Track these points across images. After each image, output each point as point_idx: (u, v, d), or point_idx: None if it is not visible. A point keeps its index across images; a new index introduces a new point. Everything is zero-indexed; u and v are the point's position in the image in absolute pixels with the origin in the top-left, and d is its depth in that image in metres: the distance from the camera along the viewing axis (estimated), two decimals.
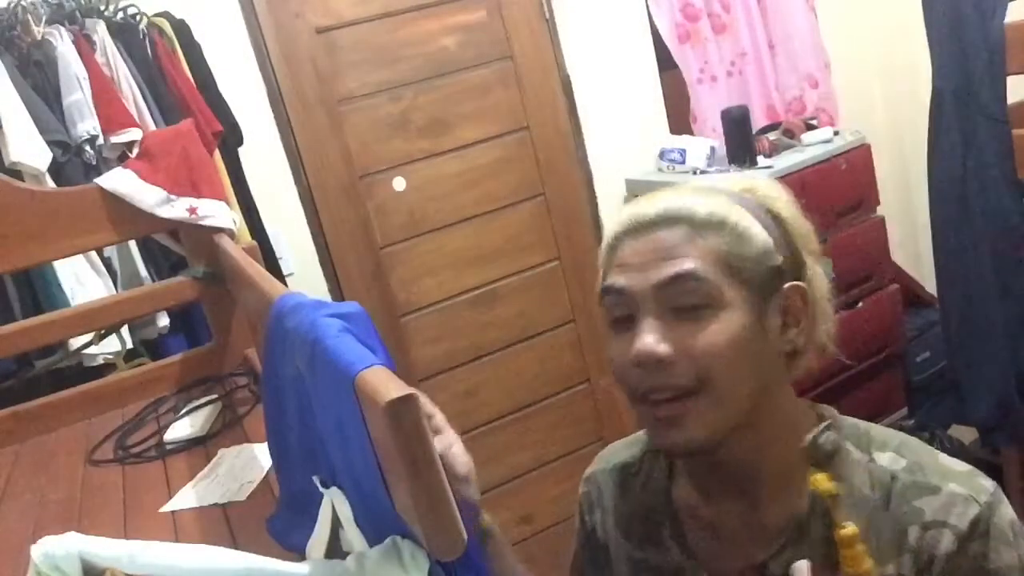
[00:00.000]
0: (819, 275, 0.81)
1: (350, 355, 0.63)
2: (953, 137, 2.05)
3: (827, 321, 0.82)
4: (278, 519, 0.96)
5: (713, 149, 2.65)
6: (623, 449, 0.98)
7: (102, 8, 2.05)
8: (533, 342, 2.78)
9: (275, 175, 2.38)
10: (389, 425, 0.55)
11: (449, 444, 0.86)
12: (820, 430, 0.77)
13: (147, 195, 1.48)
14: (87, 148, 1.89)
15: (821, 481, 0.72)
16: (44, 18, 1.93)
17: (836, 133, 2.73)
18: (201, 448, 1.30)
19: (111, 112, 1.90)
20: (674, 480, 0.89)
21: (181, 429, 1.36)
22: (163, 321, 1.97)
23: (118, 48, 1.99)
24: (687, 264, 0.75)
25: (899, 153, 3.17)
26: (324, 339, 0.68)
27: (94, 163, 1.90)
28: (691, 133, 2.83)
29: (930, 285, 2.61)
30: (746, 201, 0.80)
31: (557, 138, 2.73)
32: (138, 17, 2.08)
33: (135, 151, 1.74)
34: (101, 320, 1.59)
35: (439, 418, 0.87)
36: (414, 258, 2.60)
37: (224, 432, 1.34)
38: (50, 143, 1.83)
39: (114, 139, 1.90)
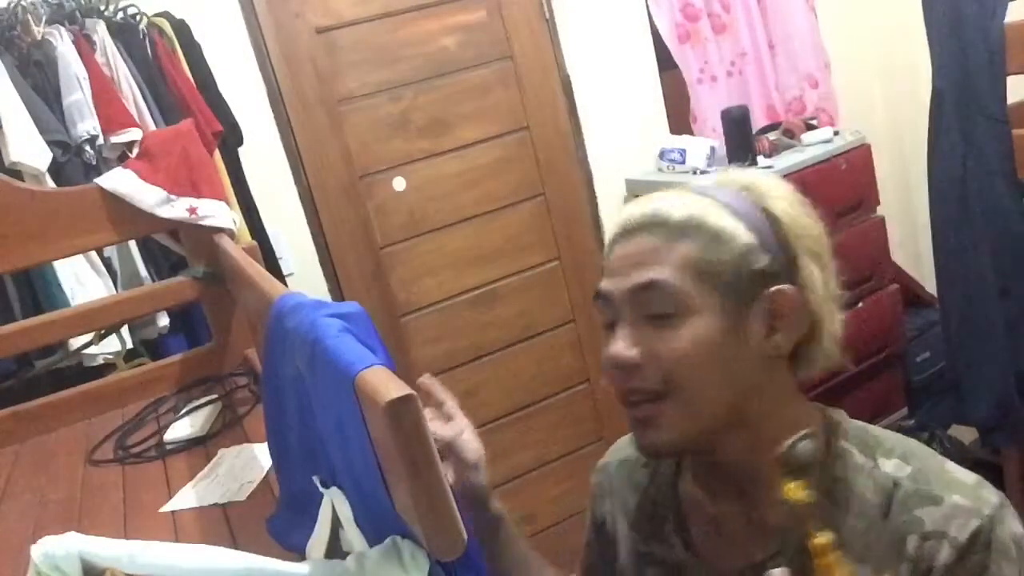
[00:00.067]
0: (816, 277, 0.78)
1: (350, 355, 0.63)
2: (953, 137, 2.05)
3: (831, 325, 0.79)
4: (278, 519, 0.96)
5: (713, 149, 2.65)
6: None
7: (102, 8, 2.05)
8: (533, 342, 2.78)
9: (275, 175, 2.38)
10: (389, 425, 0.55)
11: (460, 431, 0.87)
12: (796, 439, 0.73)
13: (147, 195, 1.48)
14: (87, 148, 1.89)
15: (793, 491, 0.71)
16: (44, 18, 1.93)
17: (836, 133, 2.73)
18: (201, 448, 1.30)
19: (111, 112, 1.90)
20: (681, 476, 0.90)
21: (181, 429, 1.36)
22: (163, 321, 1.97)
23: (118, 48, 1.99)
24: (653, 273, 0.76)
25: (899, 153, 3.17)
26: (324, 339, 0.68)
27: (94, 163, 1.90)
28: (691, 133, 2.83)
29: (930, 285, 2.61)
30: (739, 200, 0.79)
31: (557, 138, 2.73)
32: (138, 17, 2.08)
33: (135, 151, 1.74)
34: (101, 320, 1.59)
35: (451, 404, 0.88)
36: (414, 258, 2.60)
37: (224, 432, 1.34)
38: (50, 143, 1.83)
39: (114, 139, 1.90)
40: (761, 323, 0.77)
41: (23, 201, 1.42)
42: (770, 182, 0.83)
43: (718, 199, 0.79)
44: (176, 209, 1.50)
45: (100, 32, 1.98)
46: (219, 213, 1.53)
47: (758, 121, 2.87)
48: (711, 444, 0.79)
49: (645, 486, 0.93)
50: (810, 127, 2.76)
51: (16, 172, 1.77)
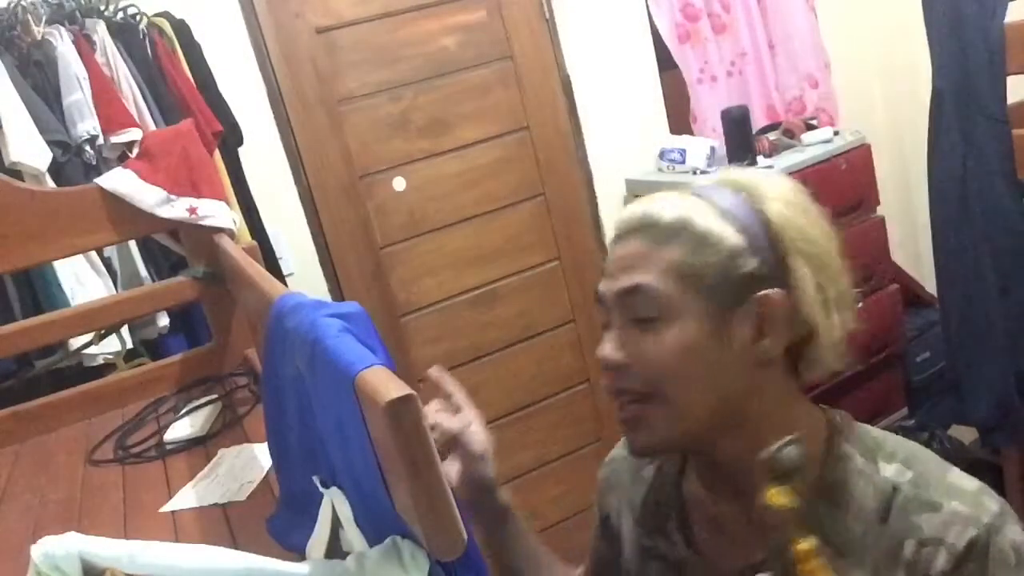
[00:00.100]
0: (808, 279, 0.75)
1: (350, 355, 0.63)
2: (953, 137, 2.05)
3: (829, 327, 0.77)
4: (278, 519, 0.96)
5: (713, 149, 2.65)
6: None
7: (102, 8, 2.05)
8: (533, 342, 2.78)
9: (275, 175, 2.38)
10: (389, 425, 0.55)
11: (468, 422, 0.88)
12: (781, 444, 0.72)
13: (147, 195, 1.48)
14: (87, 148, 1.89)
15: (775, 496, 0.70)
16: (44, 18, 1.93)
17: (836, 133, 2.73)
18: (201, 448, 1.30)
19: (111, 112, 1.90)
20: (685, 473, 0.90)
21: (181, 429, 1.36)
22: (163, 321, 1.97)
23: (118, 48, 1.99)
24: (638, 277, 0.77)
25: (899, 153, 3.17)
26: (324, 339, 0.68)
27: (94, 163, 1.90)
28: (691, 133, 2.83)
29: (930, 285, 2.61)
30: (733, 202, 0.78)
31: (557, 138, 2.73)
32: (138, 17, 2.08)
33: (135, 151, 1.74)
34: (101, 320, 1.59)
35: (460, 396, 0.89)
36: (414, 258, 2.60)
37: (224, 432, 1.34)
38: (50, 143, 1.83)
39: (114, 139, 1.90)
40: (748, 327, 0.76)
41: (23, 201, 1.42)
42: (771, 182, 0.81)
43: (712, 201, 0.78)
44: (176, 209, 1.50)
45: (100, 32, 1.98)
46: (219, 213, 1.53)
47: (758, 121, 2.87)
48: (708, 444, 0.80)
49: (650, 482, 0.93)
50: (810, 127, 2.76)
51: (16, 172, 1.77)
